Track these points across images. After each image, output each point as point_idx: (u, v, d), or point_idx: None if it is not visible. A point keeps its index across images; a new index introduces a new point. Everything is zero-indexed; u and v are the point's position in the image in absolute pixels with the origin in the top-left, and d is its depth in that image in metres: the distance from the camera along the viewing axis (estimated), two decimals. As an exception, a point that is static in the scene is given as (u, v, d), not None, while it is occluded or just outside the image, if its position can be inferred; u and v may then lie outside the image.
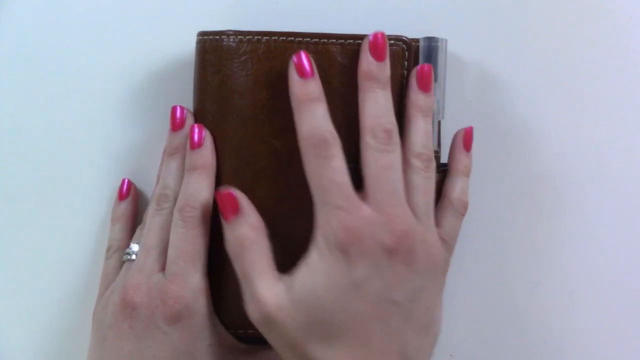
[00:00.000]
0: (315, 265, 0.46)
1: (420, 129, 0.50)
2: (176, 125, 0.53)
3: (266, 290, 0.46)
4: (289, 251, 0.51)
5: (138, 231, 0.54)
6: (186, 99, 0.55)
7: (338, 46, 0.52)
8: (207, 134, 0.51)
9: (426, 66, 0.51)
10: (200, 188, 0.50)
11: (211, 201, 0.50)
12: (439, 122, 0.55)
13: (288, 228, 0.52)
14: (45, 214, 0.57)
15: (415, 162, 0.49)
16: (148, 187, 0.58)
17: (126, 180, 0.56)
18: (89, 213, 0.57)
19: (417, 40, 0.54)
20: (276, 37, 0.52)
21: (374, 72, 0.49)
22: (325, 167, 0.47)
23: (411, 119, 0.51)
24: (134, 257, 0.52)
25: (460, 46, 0.56)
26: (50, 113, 0.57)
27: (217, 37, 0.52)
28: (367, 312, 0.46)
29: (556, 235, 0.57)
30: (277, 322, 0.46)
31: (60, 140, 0.57)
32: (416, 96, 0.51)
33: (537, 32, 0.57)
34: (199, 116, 0.53)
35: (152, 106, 0.57)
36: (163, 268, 0.50)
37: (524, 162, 0.57)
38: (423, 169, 0.50)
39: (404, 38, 0.53)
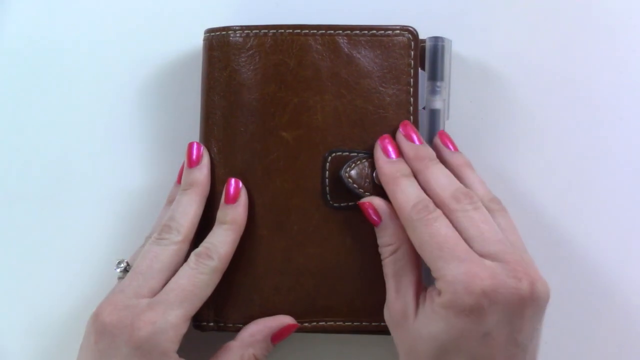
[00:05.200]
0: (437, 315, 0.47)
1: (474, 179, 0.53)
2: (192, 162, 0.53)
3: (395, 302, 0.49)
4: (298, 244, 0.52)
5: (138, 249, 0.54)
6: (192, 98, 0.55)
7: (345, 37, 0.53)
8: (243, 191, 0.52)
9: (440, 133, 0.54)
10: (224, 242, 0.51)
11: (230, 255, 0.51)
12: (444, 123, 0.55)
13: (298, 221, 0.52)
14: (45, 214, 0.57)
15: (492, 205, 0.51)
16: (152, 187, 0.58)
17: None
18: (90, 213, 0.57)
19: (423, 41, 0.55)
20: (283, 30, 0.53)
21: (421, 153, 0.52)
22: (436, 227, 0.48)
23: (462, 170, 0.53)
24: (120, 268, 0.53)
25: (463, 46, 0.57)
26: (53, 112, 0.58)
27: (224, 32, 0.53)
28: (492, 357, 0.47)
29: (556, 234, 0.57)
30: (399, 327, 0.49)
31: (63, 140, 0.58)
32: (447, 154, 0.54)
33: (540, 32, 0.58)
34: (208, 113, 0.53)
35: (157, 106, 0.58)
36: (145, 295, 0.50)
37: (528, 162, 0.57)
38: (499, 210, 0.51)
39: (410, 28, 0.53)
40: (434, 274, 0.48)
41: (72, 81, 0.58)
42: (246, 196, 0.52)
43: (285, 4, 0.58)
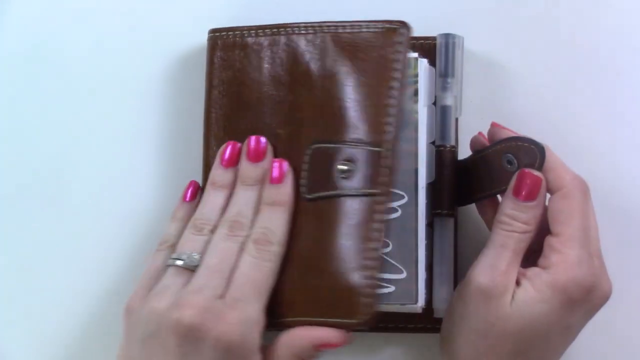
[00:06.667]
0: (539, 299, 0.48)
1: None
2: (259, 155, 0.53)
3: (504, 275, 0.49)
4: None
5: (190, 236, 0.51)
6: (195, 98, 0.56)
7: (334, 34, 0.53)
8: (289, 171, 0.52)
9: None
10: (280, 225, 0.50)
11: (286, 240, 0.51)
12: (457, 119, 0.55)
13: None
14: (47, 215, 0.58)
15: None
16: (153, 187, 0.58)
17: (194, 183, 0.55)
18: (94, 213, 0.58)
19: (434, 37, 0.55)
20: (277, 30, 0.54)
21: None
22: (591, 206, 0.50)
23: None
24: (179, 262, 0.50)
25: (474, 43, 0.57)
26: (54, 114, 0.58)
27: (228, 33, 0.55)
28: (562, 349, 0.49)
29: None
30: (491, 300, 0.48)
31: (63, 141, 0.58)
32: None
33: (549, 29, 0.58)
34: (210, 112, 0.54)
35: (161, 105, 0.58)
36: (221, 294, 0.48)
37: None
38: None
39: (399, 21, 0.52)
40: (556, 245, 0.48)
41: (74, 83, 0.58)
42: (292, 176, 0.51)
43: (285, 4, 0.58)
